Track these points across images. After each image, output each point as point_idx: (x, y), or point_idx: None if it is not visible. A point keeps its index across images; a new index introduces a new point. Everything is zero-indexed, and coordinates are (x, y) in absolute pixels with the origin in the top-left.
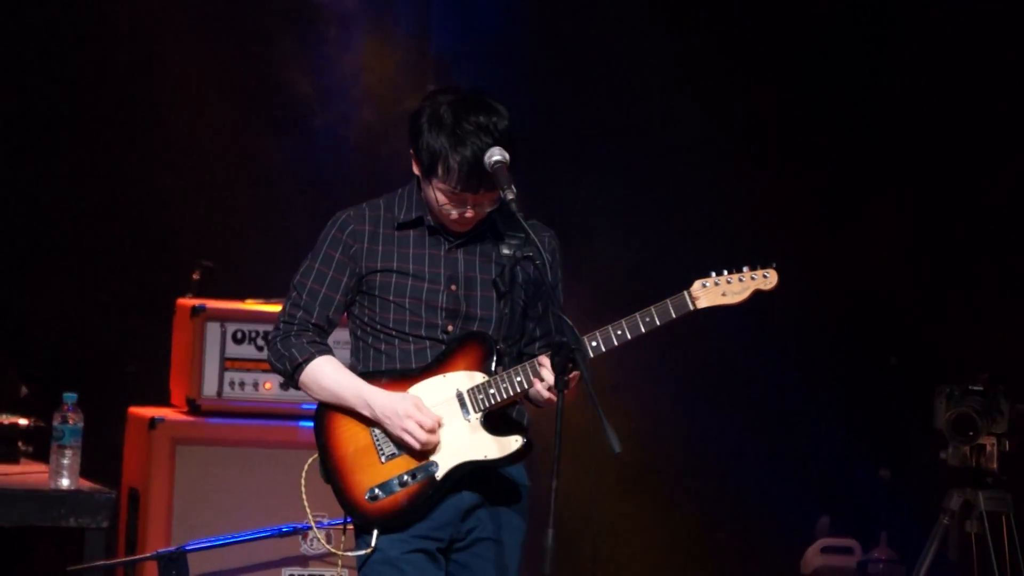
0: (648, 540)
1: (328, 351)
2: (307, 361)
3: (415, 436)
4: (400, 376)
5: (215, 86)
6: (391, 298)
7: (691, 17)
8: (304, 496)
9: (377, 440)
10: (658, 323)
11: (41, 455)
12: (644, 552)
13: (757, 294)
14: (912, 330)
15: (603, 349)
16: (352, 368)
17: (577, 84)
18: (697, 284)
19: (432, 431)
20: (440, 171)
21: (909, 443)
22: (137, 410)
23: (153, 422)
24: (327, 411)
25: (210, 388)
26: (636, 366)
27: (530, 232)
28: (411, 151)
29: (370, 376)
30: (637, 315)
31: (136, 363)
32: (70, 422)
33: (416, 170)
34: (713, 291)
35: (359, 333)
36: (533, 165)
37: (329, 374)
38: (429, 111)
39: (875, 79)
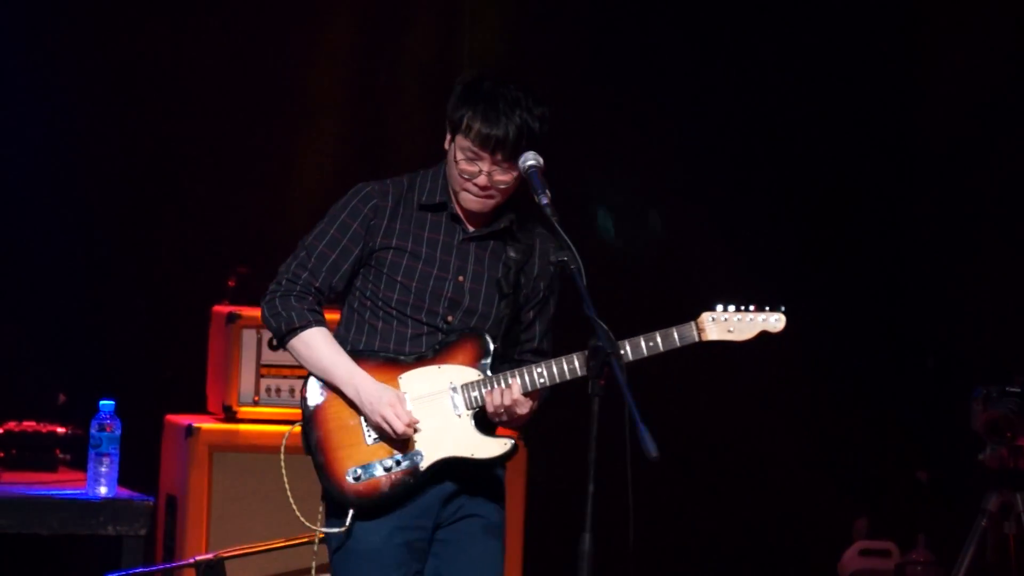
0: (686, 542)
1: (324, 322)
2: (303, 328)
3: (392, 426)
4: (393, 361)
5: (251, 92)
6: (399, 278)
7: (712, 26)
8: (289, 494)
9: (365, 421)
10: (661, 349)
11: (79, 463)
12: (682, 554)
13: (764, 335)
14: (949, 332)
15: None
16: (341, 339)
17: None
18: (705, 316)
19: (408, 425)
20: (464, 124)
21: (947, 445)
22: (174, 417)
23: (190, 429)
24: (319, 382)
25: (246, 395)
26: (672, 366)
27: (563, 235)
28: (447, 122)
29: (364, 355)
30: (641, 338)
31: (172, 370)
32: (107, 430)
33: (447, 143)
34: (721, 325)
35: (356, 305)
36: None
37: (323, 347)
38: (470, 79)
39: (913, 70)
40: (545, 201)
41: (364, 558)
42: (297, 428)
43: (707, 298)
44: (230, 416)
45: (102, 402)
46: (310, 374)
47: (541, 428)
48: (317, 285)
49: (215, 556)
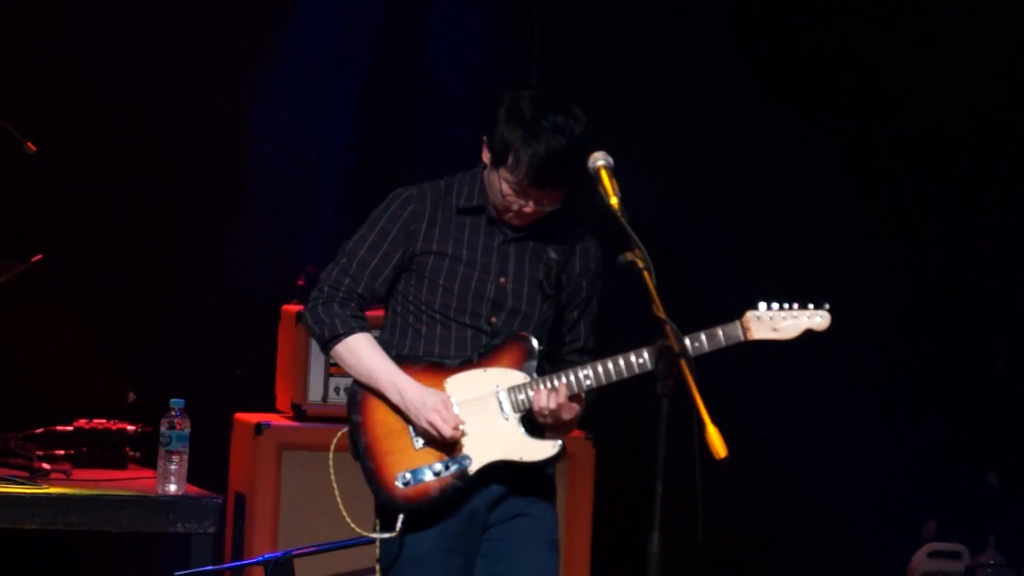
0: (753, 542)
1: (367, 328)
2: (347, 334)
3: (439, 430)
4: (438, 365)
5: (317, 94)
6: (441, 281)
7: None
8: (338, 496)
9: (412, 426)
10: (707, 349)
11: (149, 461)
12: (749, 554)
13: (809, 334)
14: (1020, 333)
15: (649, 367)
16: (386, 344)
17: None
18: (750, 315)
19: (456, 428)
20: (510, 162)
21: (1017, 446)
22: (243, 416)
23: (259, 427)
24: (364, 388)
25: (315, 394)
26: (742, 366)
27: (633, 235)
28: (484, 138)
29: (409, 360)
30: (686, 339)
31: (242, 369)
32: (177, 428)
33: (485, 157)
34: (766, 324)
35: (399, 310)
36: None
37: (367, 353)
38: (509, 102)
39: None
40: (615, 203)
41: (414, 564)
42: (344, 432)
43: (752, 293)
44: (299, 415)
45: (172, 400)
46: (354, 380)
47: (609, 428)
48: (359, 291)
49: (284, 554)
